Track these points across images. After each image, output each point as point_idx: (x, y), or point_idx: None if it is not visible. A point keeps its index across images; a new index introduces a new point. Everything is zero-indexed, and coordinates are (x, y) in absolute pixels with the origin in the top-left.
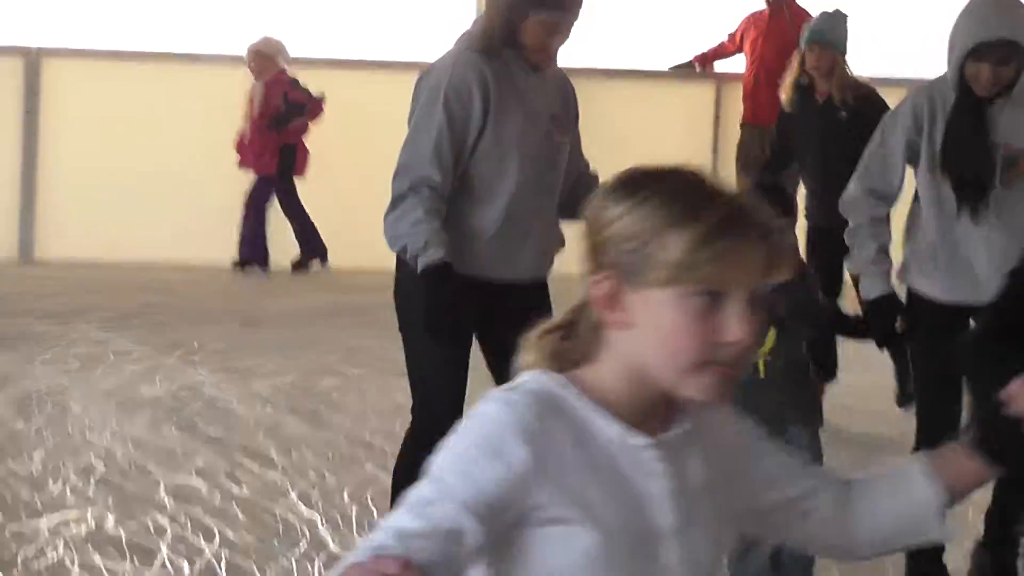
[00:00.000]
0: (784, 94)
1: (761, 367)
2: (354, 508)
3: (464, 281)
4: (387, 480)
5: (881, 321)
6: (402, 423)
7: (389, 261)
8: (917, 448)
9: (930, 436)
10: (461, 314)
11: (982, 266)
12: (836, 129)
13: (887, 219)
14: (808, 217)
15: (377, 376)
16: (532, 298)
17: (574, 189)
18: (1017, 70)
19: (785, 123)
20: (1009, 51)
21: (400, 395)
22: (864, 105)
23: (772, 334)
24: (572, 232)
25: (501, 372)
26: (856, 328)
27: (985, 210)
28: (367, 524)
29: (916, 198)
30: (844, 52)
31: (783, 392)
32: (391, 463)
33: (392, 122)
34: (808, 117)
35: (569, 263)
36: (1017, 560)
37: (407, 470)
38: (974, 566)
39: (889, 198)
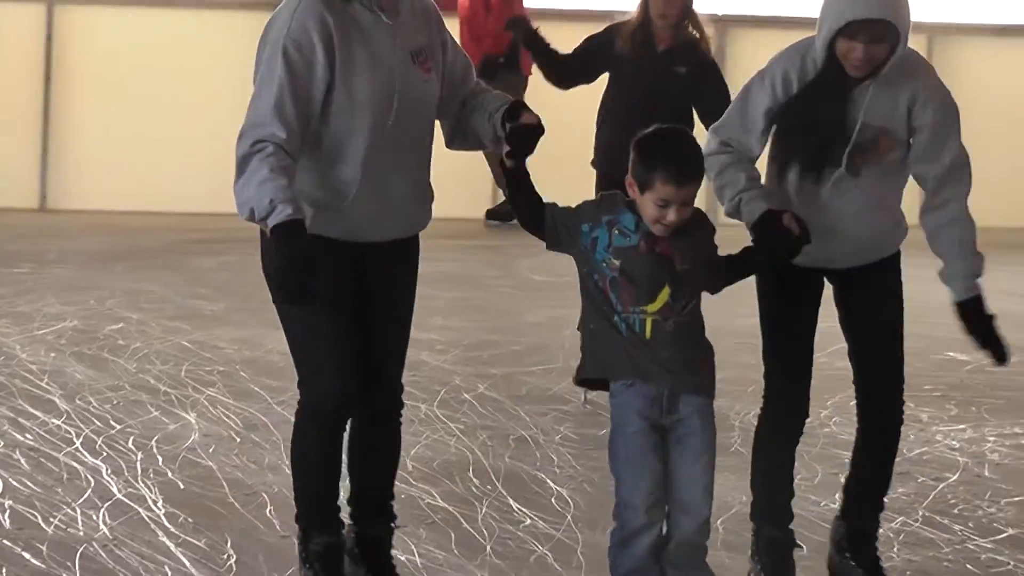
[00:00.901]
0: (622, 39)
1: (648, 328)
2: (139, 455)
3: (327, 244)
4: (172, 425)
5: (770, 227)
6: (189, 367)
7: (159, 204)
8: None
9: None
10: (317, 273)
11: (837, 226)
12: (672, 83)
13: (751, 162)
14: (601, 168)
15: (160, 320)
16: (400, 256)
17: (462, 114)
18: (890, 49)
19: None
20: (883, 30)
21: (183, 338)
22: (704, 64)
23: (665, 292)
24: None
25: (380, 338)
26: (757, 253)
27: (823, 186)
28: (152, 471)
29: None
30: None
31: (672, 358)
32: (177, 408)
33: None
34: (642, 65)
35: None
36: (876, 529)
37: (298, 451)
38: (833, 535)
39: (750, 154)
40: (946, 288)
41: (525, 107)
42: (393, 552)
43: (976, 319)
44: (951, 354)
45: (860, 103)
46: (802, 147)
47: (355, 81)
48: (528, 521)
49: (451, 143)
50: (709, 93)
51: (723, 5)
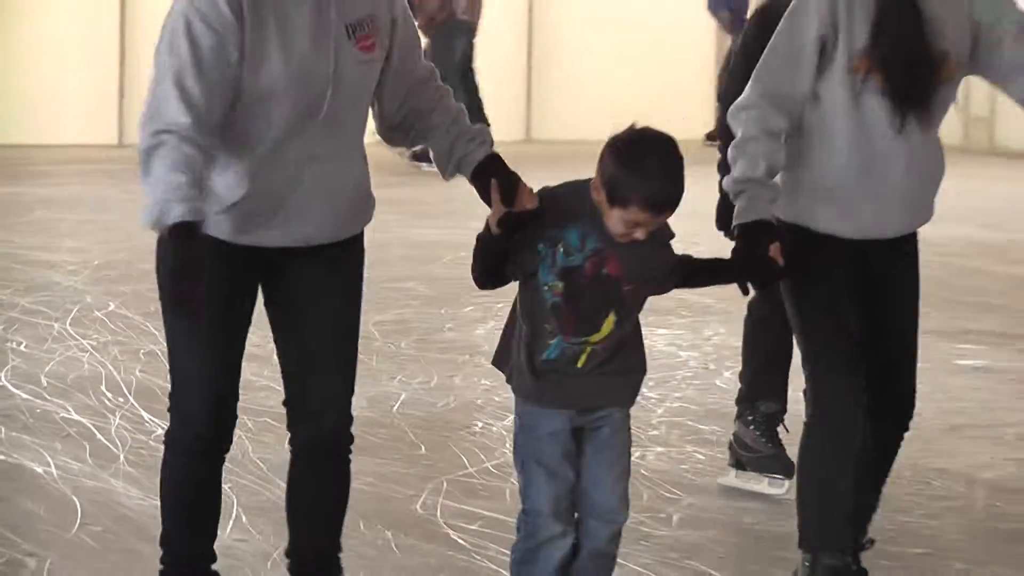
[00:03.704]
0: None
1: (583, 358)
2: None
3: (222, 247)
4: None
5: (753, 249)
6: None
7: None
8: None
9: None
10: (208, 282)
11: (901, 186)
12: None
13: (781, 137)
14: None
15: None
16: (326, 263)
17: (408, 107)
18: None
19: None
20: None
21: None
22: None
23: (611, 320)
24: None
25: (304, 356)
26: (727, 265)
27: (919, 120)
28: None
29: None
30: None
31: (599, 383)
32: None
33: None
34: None
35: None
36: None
37: (164, 484)
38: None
39: (791, 107)
40: None
41: (502, 167)
42: (30, 465)
43: None
44: None
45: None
46: (908, 80)
47: (264, 60)
48: (159, 431)
49: (388, 136)
50: None
51: None
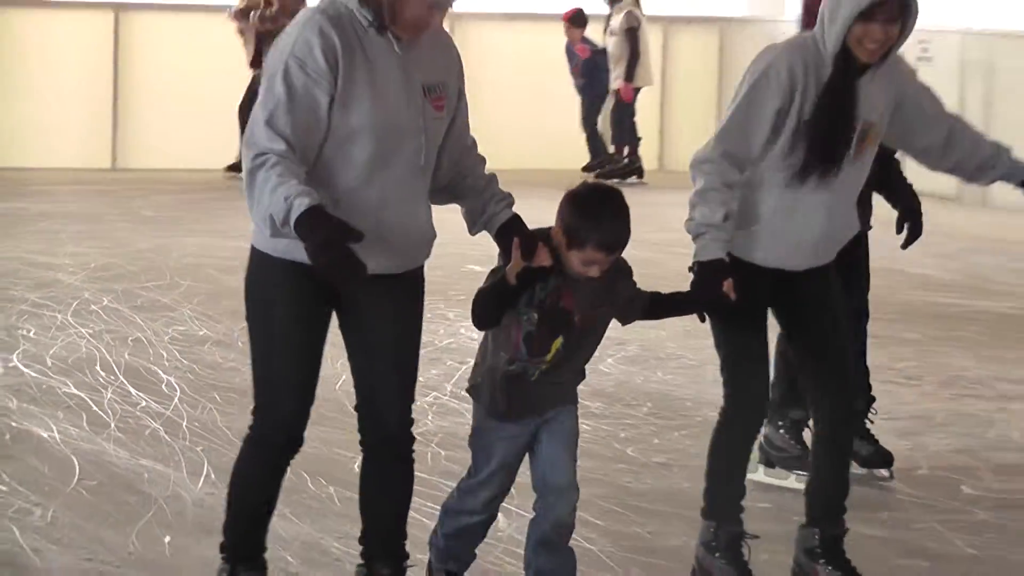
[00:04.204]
0: None
1: (536, 374)
2: None
3: (302, 270)
4: None
5: (710, 284)
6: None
7: None
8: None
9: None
10: (292, 303)
11: (815, 232)
12: None
13: (735, 188)
14: None
15: None
16: (393, 292)
17: (450, 182)
18: (901, 31)
19: None
20: (899, 8)
21: None
22: None
23: (557, 343)
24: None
25: (373, 372)
26: (687, 297)
27: (833, 179)
28: None
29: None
30: None
31: (551, 392)
32: None
33: None
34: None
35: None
36: (844, 533)
37: (238, 479)
38: (802, 544)
39: (744, 164)
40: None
41: (524, 228)
42: (36, 430)
43: None
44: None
45: (859, 98)
46: (825, 145)
47: (352, 102)
48: (144, 403)
49: (433, 197)
50: None
51: None
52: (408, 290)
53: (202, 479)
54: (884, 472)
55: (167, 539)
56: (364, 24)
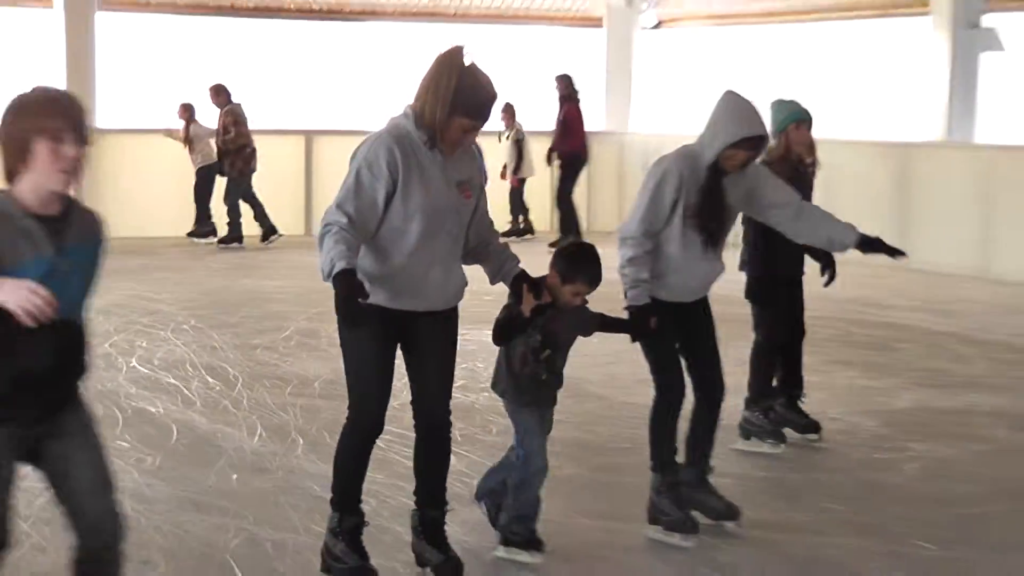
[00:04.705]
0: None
1: (544, 374)
2: None
3: (379, 309)
4: None
5: (644, 320)
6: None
7: None
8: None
9: (671, 383)
10: (365, 308)
11: (699, 278)
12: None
13: (651, 253)
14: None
15: None
16: (439, 323)
17: (476, 248)
18: (756, 154)
19: None
20: (760, 141)
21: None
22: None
23: (548, 354)
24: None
25: (424, 378)
26: (626, 324)
27: (714, 246)
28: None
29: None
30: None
31: (549, 386)
32: None
33: None
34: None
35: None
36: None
37: (340, 453)
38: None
39: (655, 236)
40: (841, 247)
41: (530, 277)
42: (147, 407)
43: (876, 243)
44: None
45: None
46: (710, 225)
47: (410, 195)
48: (218, 388)
49: (463, 257)
50: None
51: None
52: (448, 321)
53: (256, 436)
54: (814, 435)
55: (234, 476)
56: (420, 142)
